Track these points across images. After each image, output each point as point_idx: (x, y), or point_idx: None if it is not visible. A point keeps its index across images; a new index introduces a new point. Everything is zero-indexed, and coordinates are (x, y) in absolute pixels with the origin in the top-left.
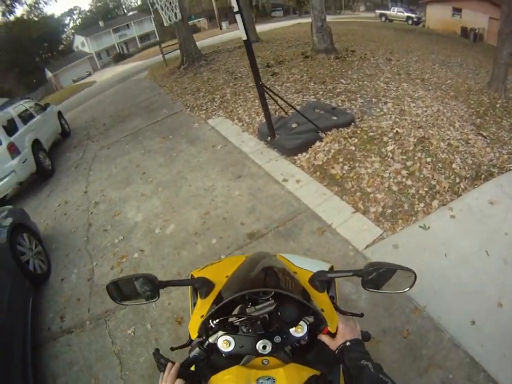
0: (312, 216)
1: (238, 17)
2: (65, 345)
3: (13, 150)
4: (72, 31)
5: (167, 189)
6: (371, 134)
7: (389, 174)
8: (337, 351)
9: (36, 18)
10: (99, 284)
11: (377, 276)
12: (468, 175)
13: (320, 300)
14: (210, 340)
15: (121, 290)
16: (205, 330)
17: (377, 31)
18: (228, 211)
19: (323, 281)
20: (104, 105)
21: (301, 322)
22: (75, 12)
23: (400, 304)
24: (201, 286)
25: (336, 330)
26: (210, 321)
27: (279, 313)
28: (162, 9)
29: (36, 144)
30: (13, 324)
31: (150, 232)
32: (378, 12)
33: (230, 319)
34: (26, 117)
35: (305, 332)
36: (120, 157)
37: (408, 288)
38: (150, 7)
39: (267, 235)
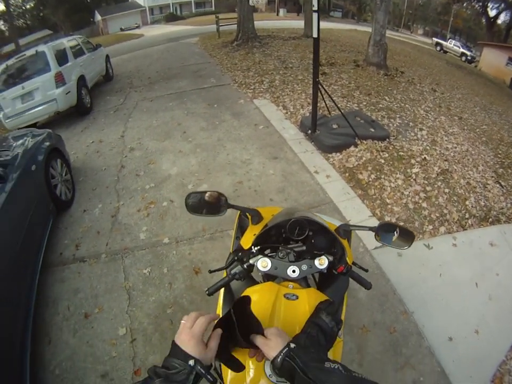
0: (333, 209)
1: (314, 15)
2: (75, 272)
3: (59, 80)
4: None
5: (205, 152)
6: (401, 153)
7: (409, 192)
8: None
9: None
10: (122, 222)
11: (385, 233)
12: (477, 215)
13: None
14: (251, 261)
15: (192, 203)
16: (247, 254)
17: (430, 59)
18: (259, 185)
19: (346, 231)
20: (151, 59)
21: (324, 257)
22: None
23: (393, 303)
24: (254, 215)
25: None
26: (253, 247)
27: (312, 240)
28: None
29: (81, 80)
30: (31, 239)
31: (182, 186)
32: (435, 40)
33: (268, 250)
34: (77, 51)
35: (326, 265)
36: (162, 112)
37: (407, 247)
38: None
39: None
